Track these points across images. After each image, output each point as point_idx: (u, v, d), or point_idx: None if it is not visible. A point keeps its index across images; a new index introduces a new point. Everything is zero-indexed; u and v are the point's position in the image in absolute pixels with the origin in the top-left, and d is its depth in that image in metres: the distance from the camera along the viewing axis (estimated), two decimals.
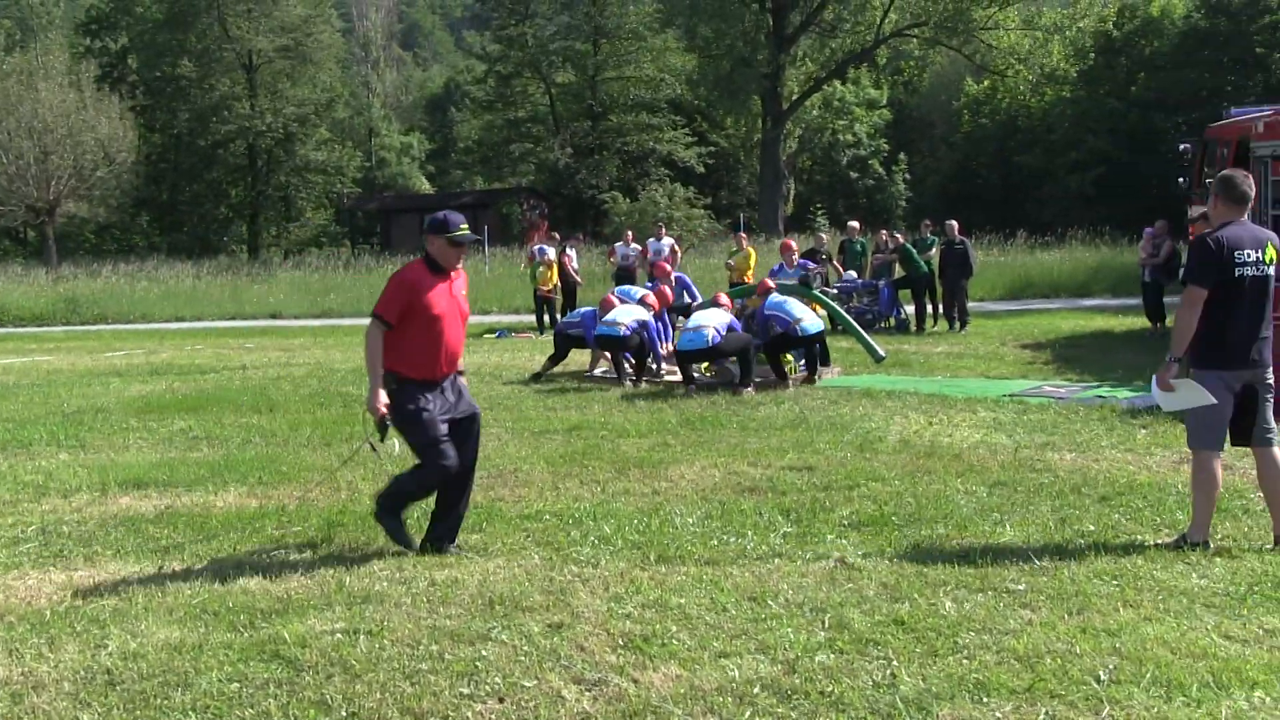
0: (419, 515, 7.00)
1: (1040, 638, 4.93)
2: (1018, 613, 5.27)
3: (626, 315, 13.82)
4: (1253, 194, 6.34)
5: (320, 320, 29.08)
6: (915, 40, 47.40)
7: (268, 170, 52.66)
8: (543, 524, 7.14)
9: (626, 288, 16.76)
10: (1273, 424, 6.32)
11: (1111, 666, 4.59)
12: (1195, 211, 18.33)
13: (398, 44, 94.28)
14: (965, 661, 4.70)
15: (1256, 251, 6.15)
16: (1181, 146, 18.83)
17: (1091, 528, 6.65)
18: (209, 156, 51.97)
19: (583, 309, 15.82)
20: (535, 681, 4.65)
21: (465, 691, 4.57)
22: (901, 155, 52.69)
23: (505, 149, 52.46)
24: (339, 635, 5.19)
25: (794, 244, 17.13)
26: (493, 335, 22.09)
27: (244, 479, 8.79)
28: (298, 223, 55.35)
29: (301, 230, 55.39)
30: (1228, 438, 6.36)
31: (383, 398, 6.27)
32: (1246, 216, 6.29)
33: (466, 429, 6.59)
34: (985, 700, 4.34)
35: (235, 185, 54.23)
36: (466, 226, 6.55)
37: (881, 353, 14.22)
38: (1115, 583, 5.65)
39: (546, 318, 22.11)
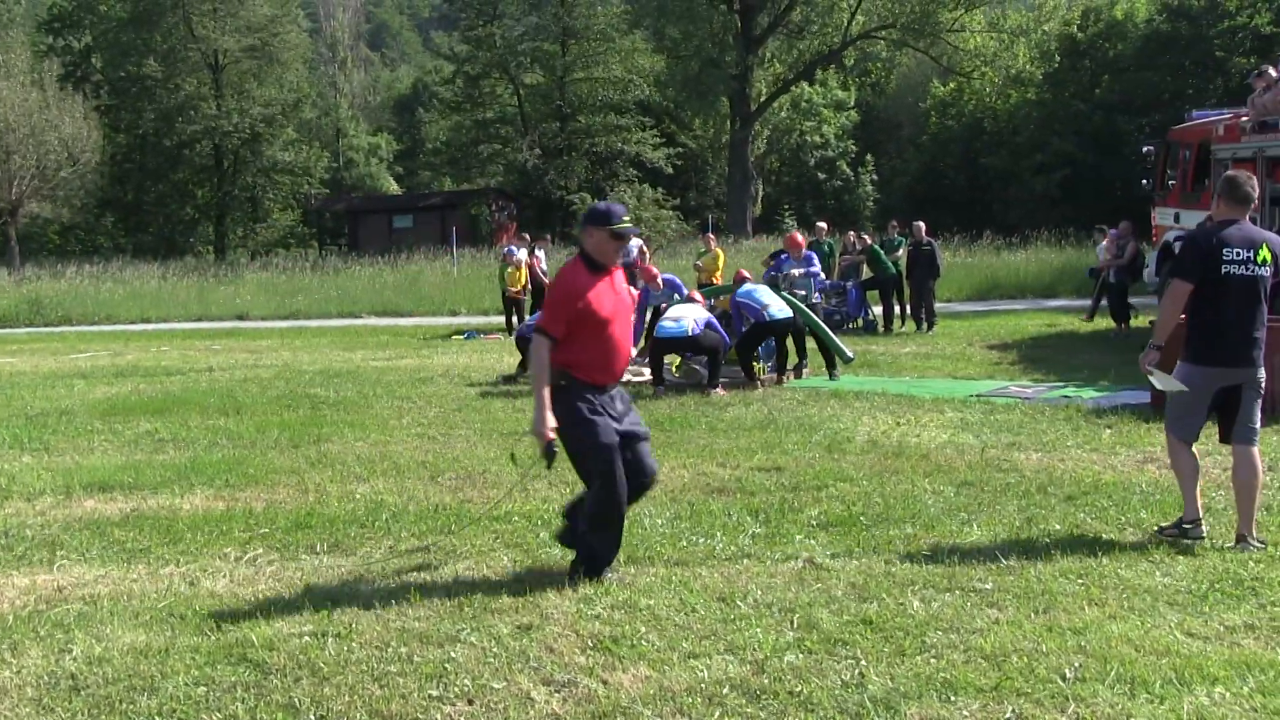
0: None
1: (1007, 636, 4.97)
2: (985, 612, 5.30)
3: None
4: (1256, 194, 6.42)
5: (288, 322, 28.91)
6: (882, 42, 47.66)
7: (234, 171, 52.32)
8: (512, 525, 7.13)
9: None
10: (1256, 423, 6.39)
11: (1077, 664, 4.64)
12: (1157, 214, 18.53)
13: (365, 44, 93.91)
14: (933, 661, 4.73)
15: (1248, 251, 6.20)
16: (1145, 149, 19.05)
17: (1057, 527, 6.71)
18: (175, 157, 51.58)
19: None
20: (504, 683, 4.64)
21: (434, 693, 4.56)
22: (869, 156, 52.94)
23: (473, 150, 52.33)
24: (307, 638, 5.17)
25: (801, 239, 16.93)
26: (461, 336, 22.07)
27: (211, 481, 8.74)
28: (265, 223, 55.03)
29: (268, 231, 55.08)
30: (1216, 434, 6.50)
31: (550, 421, 5.63)
32: (1246, 216, 6.37)
33: (637, 446, 5.89)
34: (953, 699, 4.36)
35: (201, 186, 53.84)
36: (630, 218, 5.96)
37: (850, 353, 14.25)
38: (1081, 581, 5.70)
39: (515, 319, 22.07)
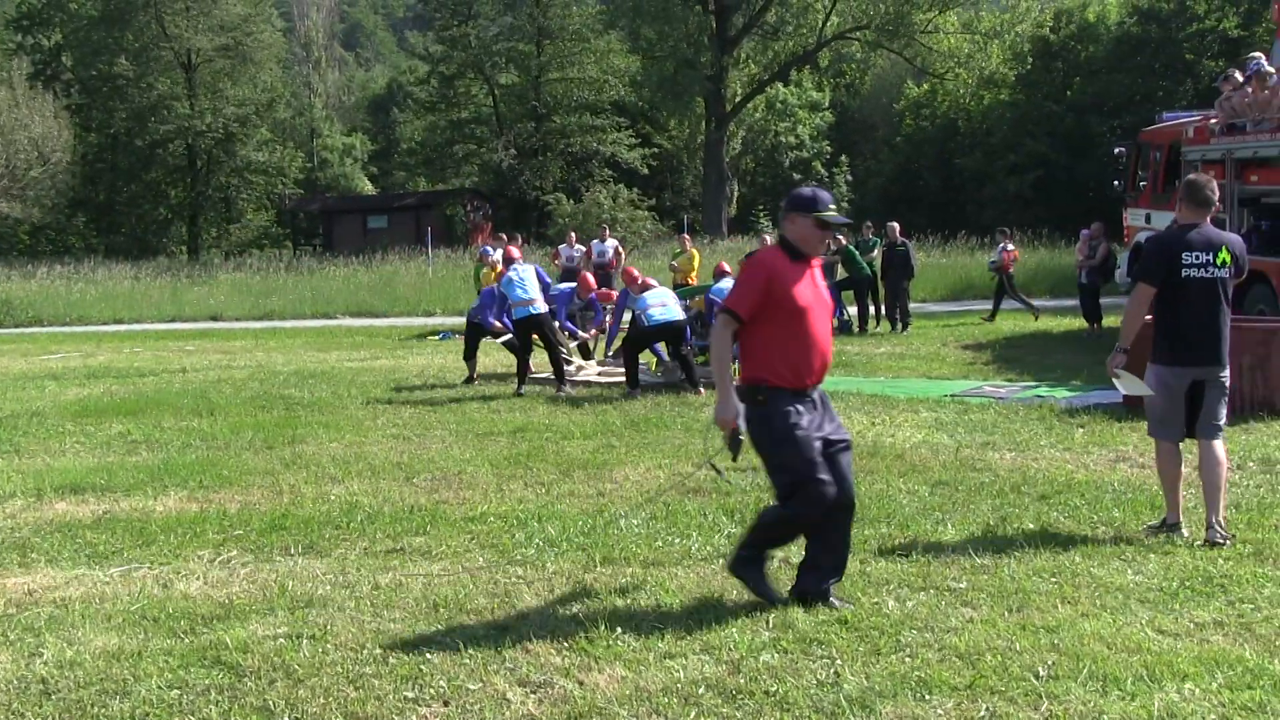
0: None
1: (981, 635, 4.99)
2: (959, 611, 5.33)
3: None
4: (1216, 198, 6.60)
5: (262, 322, 28.77)
6: (857, 43, 47.75)
7: (208, 171, 51.98)
8: (487, 526, 7.12)
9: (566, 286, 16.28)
10: (1220, 418, 6.55)
11: (1050, 662, 4.67)
12: (1128, 215, 18.67)
13: (339, 44, 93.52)
14: (908, 659, 4.75)
15: (1208, 254, 6.37)
16: (1116, 150, 19.17)
17: (1031, 526, 6.75)
18: (147, 157, 51.19)
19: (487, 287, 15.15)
20: (480, 684, 4.64)
21: (410, 695, 4.55)
22: (843, 157, 53.08)
23: (448, 150, 52.17)
24: (281, 640, 5.15)
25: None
26: (436, 337, 22.02)
27: (184, 483, 8.69)
28: (238, 224, 54.69)
29: (242, 231, 54.74)
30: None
31: (736, 408, 5.30)
32: (1209, 219, 6.53)
33: (840, 453, 5.44)
34: (928, 698, 4.39)
35: (174, 186, 53.45)
36: (835, 206, 5.55)
37: None
38: (1054, 580, 5.74)
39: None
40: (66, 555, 6.75)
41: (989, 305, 22.12)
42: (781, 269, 5.36)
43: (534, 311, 13.35)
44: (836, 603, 5.38)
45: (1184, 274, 6.36)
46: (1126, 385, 6.70)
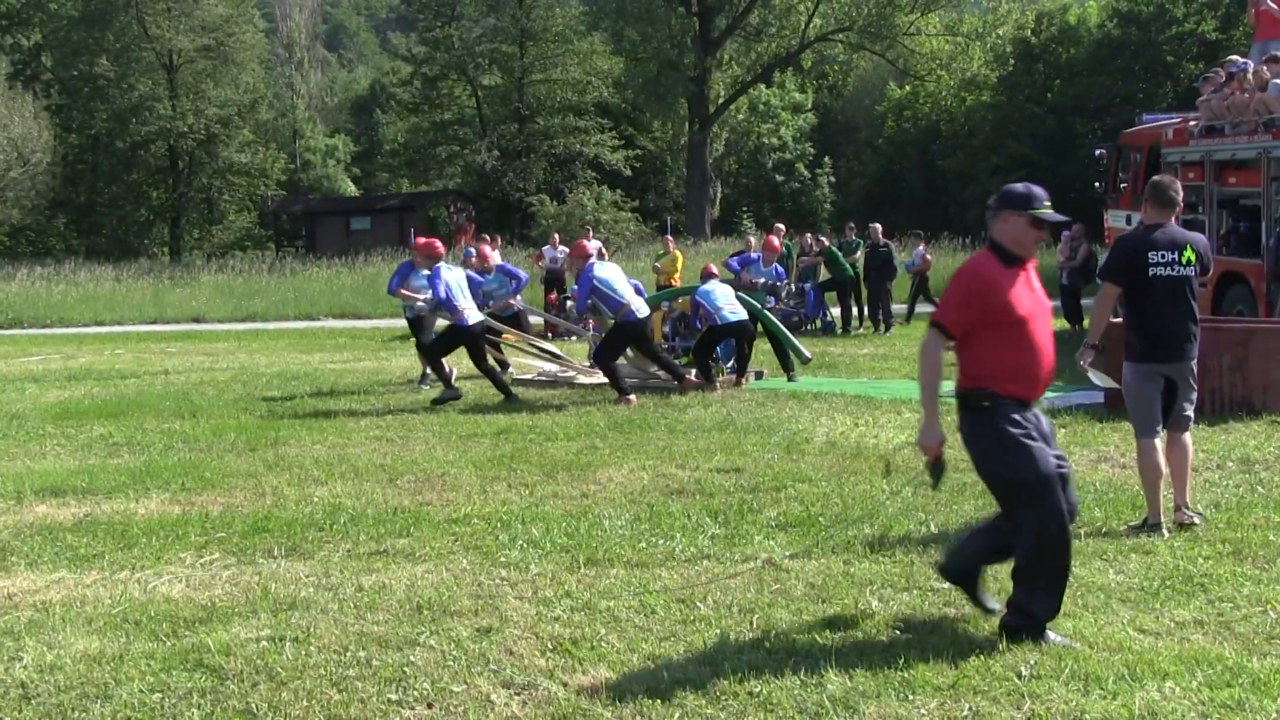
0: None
1: (964, 635, 5.01)
2: (942, 610, 5.35)
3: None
4: (1180, 199, 6.84)
5: (244, 324, 28.67)
6: (840, 45, 47.83)
7: (189, 172, 51.72)
8: (471, 528, 7.11)
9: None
10: (1189, 412, 6.81)
11: (1032, 662, 4.69)
12: (1109, 216, 18.76)
13: (322, 45, 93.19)
14: (891, 659, 4.76)
15: (1173, 253, 6.60)
16: (1097, 151, 19.27)
17: None
18: (129, 158, 50.91)
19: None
20: (464, 686, 4.64)
21: (393, 697, 4.55)
22: (826, 159, 53.17)
23: (431, 151, 52.06)
24: (264, 643, 5.13)
25: (778, 243, 16.74)
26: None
27: (166, 486, 8.66)
28: (221, 225, 54.38)
29: (225, 233, 54.44)
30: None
31: (940, 434, 5.05)
32: (1175, 219, 6.80)
33: (1068, 479, 5.05)
34: (911, 697, 4.40)
35: (156, 187, 53.16)
36: (1050, 203, 5.12)
37: (807, 354, 14.26)
38: None
39: None
40: (47, 558, 6.72)
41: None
42: (994, 277, 4.98)
43: (466, 324, 12.86)
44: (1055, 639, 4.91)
45: (1151, 273, 6.59)
46: (1097, 378, 7.10)
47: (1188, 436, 6.84)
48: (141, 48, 50.25)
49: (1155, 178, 7.14)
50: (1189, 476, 6.87)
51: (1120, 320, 7.20)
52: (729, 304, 13.20)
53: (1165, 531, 6.55)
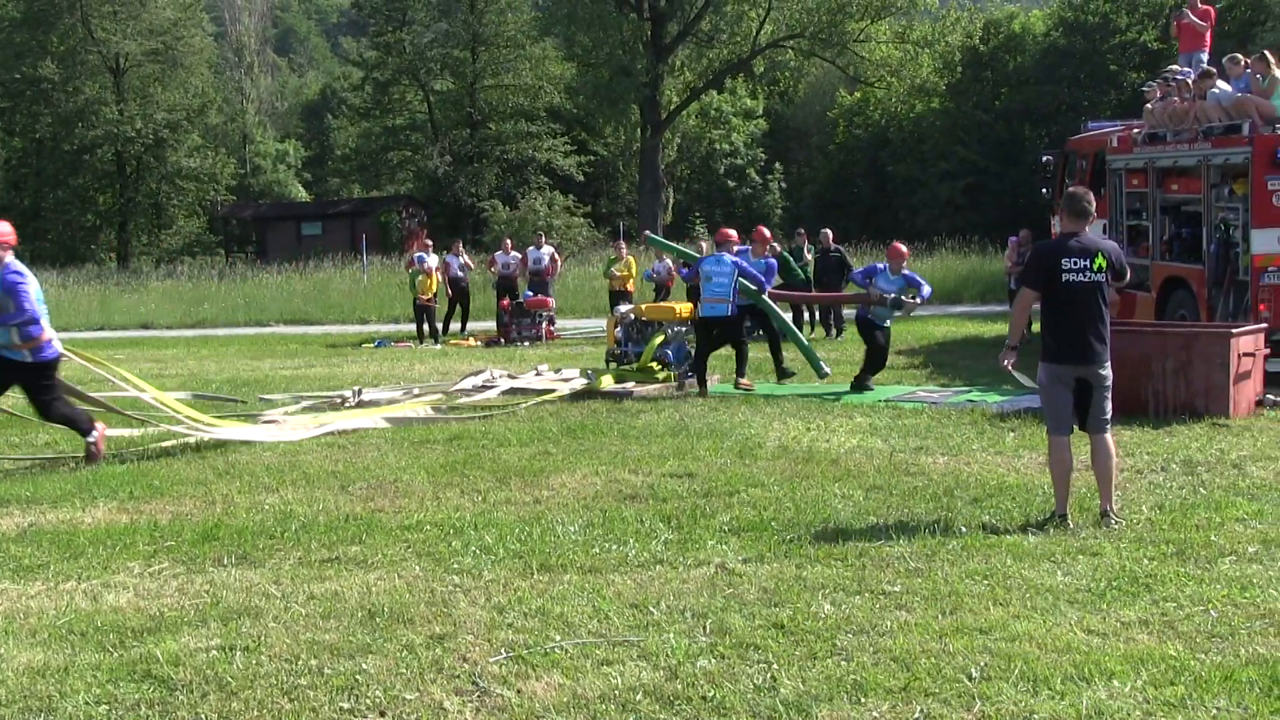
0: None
1: (915, 638, 5.06)
2: (893, 614, 5.39)
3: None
4: (1093, 209, 7.25)
5: (194, 330, 28.37)
6: (791, 51, 48.05)
7: (137, 177, 51.10)
8: (424, 534, 7.08)
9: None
10: (1107, 413, 7.14)
11: (983, 663, 4.74)
12: (1055, 222, 18.98)
13: (272, 49, 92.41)
14: (843, 663, 4.80)
15: (1085, 260, 6.96)
16: (1044, 158, 19.50)
17: (964, 529, 6.84)
18: (74, 162, 50.21)
19: None
20: (417, 694, 4.62)
21: (346, 706, 4.52)
22: (778, 164, 53.44)
23: (383, 157, 51.81)
24: (214, 652, 5.09)
25: (767, 232, 16.39)
26: (371, 344, 21.87)
27: (114, 494, 8.55)
28: (169, 231, 53.74)
29: (174, 238, 53.77)
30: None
31: None
32: (1089, 229, 7.18)
33: None
34: (863, 700, 4.43)
35: (103, 192, 52.46)
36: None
37: (826, 369, 14.01)
38: (986, 582, 5.83)
39: (425, 327, 21.97)
40: None
41: (922, 311, 22.29)
42: None
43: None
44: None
45: (1064, 278, 6.94)
46: (1020, 377, 7.59)
47: (1108, 437, 7.10)
48: (87, 51, 49.63)
49: (1070, 190, 7.60)
50: (1114, 478, 7.12)
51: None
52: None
53: (1070, 523, 6.84)
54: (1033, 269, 7.24)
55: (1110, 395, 7.15)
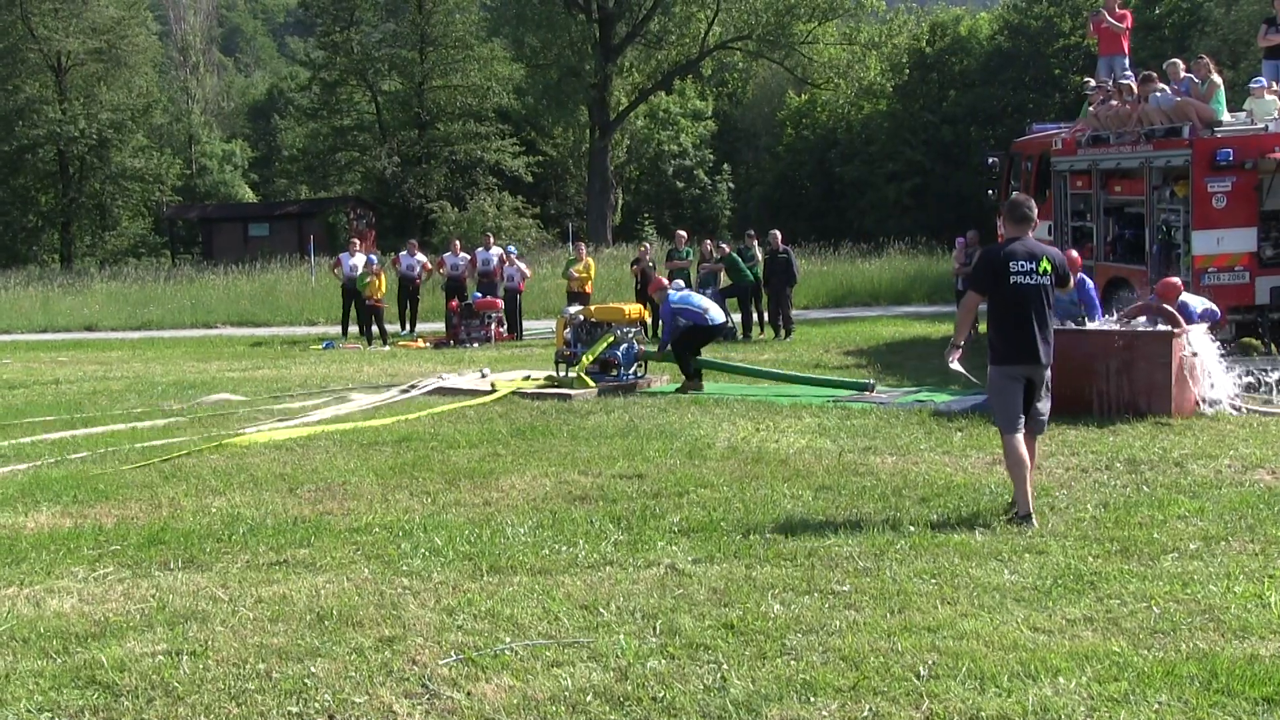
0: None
1: (864, 637, 5.10)
2: (843, 613, 5.43)
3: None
4: (1034, 215, 7.45)
5: (139, 332, 27.96)
6: (739, 53, 48.24)
7: (80, 177, 50.30)
8: (372, 537, 7.04)
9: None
10: (1044, 415, 7.36)
11: (931, 662, 4.78)
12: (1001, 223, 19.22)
13: (218, 49, 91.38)
14: (793, 663, 4.82)
15: (1030, 263, 7.13)
16: (990, 160, 19.71)
17: (912, 528, 6.90)
18: (15, 162, 49.35)
19: None
20: (366, 697, 4.59)
21: (294, 710, 4.49)
22: (726, 165, 53.68)
23: (331, 157, 51.39)
24: (160, 657, 5.03)
25: (1078, 256, 16.08)
26: (320, 346, 21.70)
27: (57, 498, 8.42)
28: (114, 232, 52.98)
29: (118, 240, 53.02)
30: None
31: None
32: (1031, 233, 7.37)
33: None
34: (812, 700, 4.46)
35: (45, 192, 51.60)
36: None
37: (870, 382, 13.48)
38: (934, 581, 5.88)
39: (375, 328, 21.85)
40: None
41: (870, 312, 22.54)
42: None
43: None
44: None
45: (1012, 280, 7.11)
46: (968, 375, 7.92)
47: (1035, 442, 7.34)
48: (28, 48, 48.80)
49: (1011, 197, 7.89)
50: (1030, 478, 7.26)
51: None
52: (711, 306, 14.00)
53: (1034, 522, 6.89)
54: (980, 272, 7.41)
55: (1050, 399, 7.35)
